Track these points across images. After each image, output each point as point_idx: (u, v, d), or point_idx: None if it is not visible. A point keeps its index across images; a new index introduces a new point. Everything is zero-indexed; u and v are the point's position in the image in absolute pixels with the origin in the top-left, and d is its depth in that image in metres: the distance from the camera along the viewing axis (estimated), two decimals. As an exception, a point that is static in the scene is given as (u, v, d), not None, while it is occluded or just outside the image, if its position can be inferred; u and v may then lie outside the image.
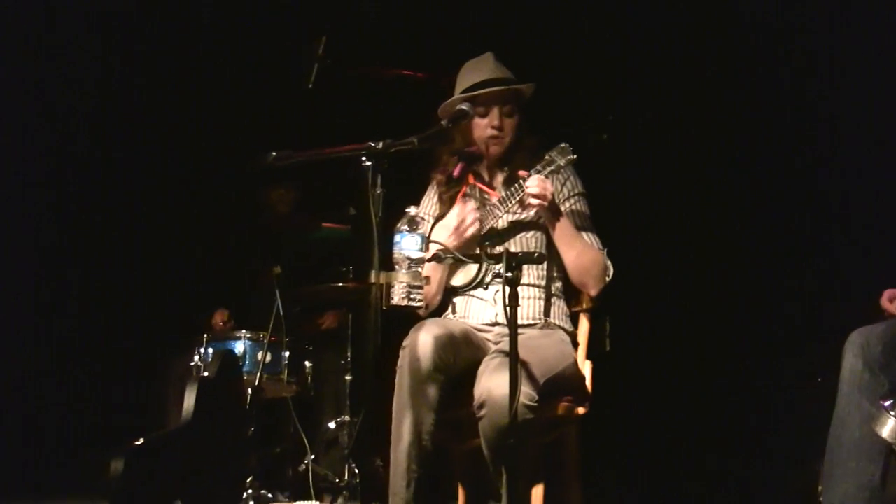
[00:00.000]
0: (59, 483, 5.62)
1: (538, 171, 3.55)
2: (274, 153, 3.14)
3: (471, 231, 3.67)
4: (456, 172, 3.76)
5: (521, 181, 3.55)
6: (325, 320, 5.40)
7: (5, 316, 5.86)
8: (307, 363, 5.01)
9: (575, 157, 3.58)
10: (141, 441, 3.87)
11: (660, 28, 5.26)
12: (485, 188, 3.81)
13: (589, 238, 3.71)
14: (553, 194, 3.55)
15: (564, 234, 3.61)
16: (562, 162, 3.57)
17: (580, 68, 5.44)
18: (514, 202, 3.60)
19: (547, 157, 3.58)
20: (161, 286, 6.19)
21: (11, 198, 5.91)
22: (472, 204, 3.73)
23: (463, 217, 3.67)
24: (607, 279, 3.70)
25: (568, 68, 5.42)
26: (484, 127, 3.72)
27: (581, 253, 3.64)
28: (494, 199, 3.70)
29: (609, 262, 3.70)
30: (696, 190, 5.30)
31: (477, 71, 3.76)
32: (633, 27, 5.30)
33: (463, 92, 3.70)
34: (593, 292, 3.72)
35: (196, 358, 4.90)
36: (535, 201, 3.52)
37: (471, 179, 3.82)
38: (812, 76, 4.90)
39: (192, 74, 6.22)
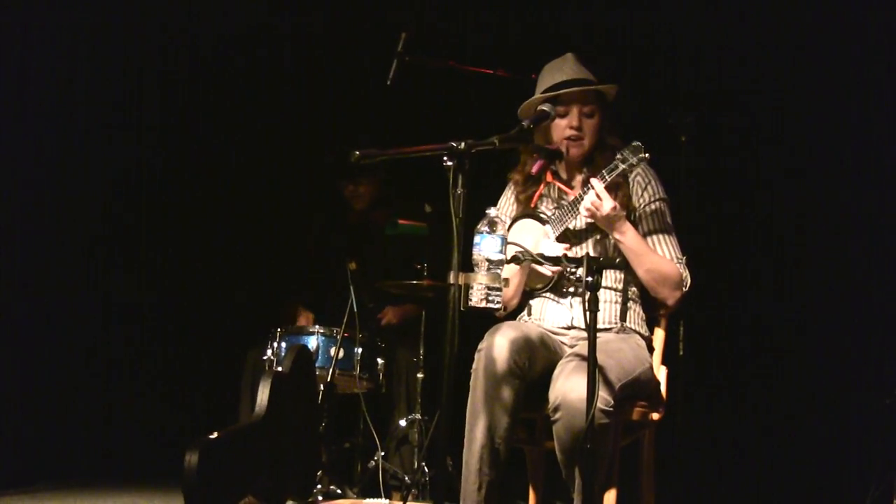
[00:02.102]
0: (134, 474, 5.69)
1: (608, 172, 3.52)
2: (358, 151, 3.14)
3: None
4: (535, 170, 3.73)
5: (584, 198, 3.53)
6: (384, 315, 5.39)
7: (82, 305, 5.94)
8: (380, 360, 5.01)
9: (647, 155, 3.52)
10: (215, 434, 3.89)
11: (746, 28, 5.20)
12: (563, 187, 3.78)
13: (667, 246, 3.67)
14: (608, 212, 3.49)
15: (632, 250, 3.57)
16: (633, 160, 3.51)
17: (659, 68, 5.41)
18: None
19: (619, 155, 3.53)
20: (237, 278, 6.25)
21: (96, 186, 6.00)
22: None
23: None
24: (684, 289, 3.66)
25: (647, 68, 5.39)
26: (563, 128, 3.69)
27: (651, 268, 3.60)
28: (570, 198, 3.67)
29: (686, 273, 3.66)
30: (773, 190, 5.23)
31: (557, 71, 3.72)
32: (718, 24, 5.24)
33: (543, 92, 3.68)
34: (670, 303, 3.68)
35: (269, 352, 4.94)
36: (587, 212, 3.52)
37: (549, 178, 3.80)
38: None
39: (276, 72, 6.27)
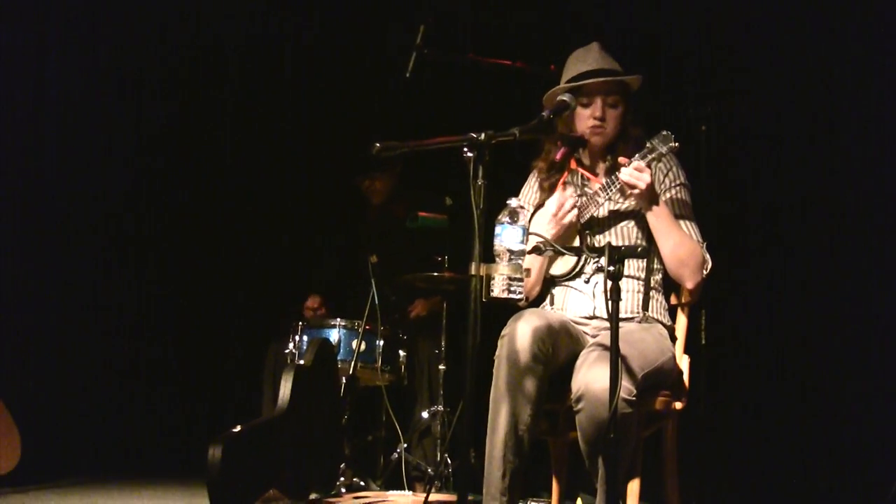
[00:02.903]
0: (157, 469, 5.71)
1: (640, 158, 3.52)
2: (378, 144, 3.14)
3: (569, 218, 3.64)
4: (558, 157, 3.73)
5: (621, 170, 3.53)
6: (414, 308, 5.40)
7: (104, 300, 5.97)
8: (401, 352, 5.02)
9: (677, 144, 3.53)
10: (238, 428, 3.91)
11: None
12: (587, 174, 3.78)
13: (689, 230, 3.66)
14: (649, 183, 3.51)
15: (662, 224, 3.57)
16: (663, 149, 3.52)
17: (681, 56, 5.39)
18: (615, 190, 3.58)
19: (648, 144, 3.54)
20: (259, 273, 6.27)
21: (117, 187, 6.04)
22: (570, 190, 3.70)
23: (562, 203, 3.64)
24: (705, 272, 3.65)
25: (667, 57, 5.37)
26: (587, 118, 3.69)
27: (678, 244, 3.59)
28: (596, 187, 3.67)
29: (708, 256, 3.65)
30: (794, 180, 5.20)
31: (582, 61, 3.72)
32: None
33: (567, 82, 3.67)
34: (689, 285, 3.67)
35: (291, 345, 4.95)
36: (628, 189, 3.51)
37: (573, 165, 3.80)
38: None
39: (294, 65, 6.27)
